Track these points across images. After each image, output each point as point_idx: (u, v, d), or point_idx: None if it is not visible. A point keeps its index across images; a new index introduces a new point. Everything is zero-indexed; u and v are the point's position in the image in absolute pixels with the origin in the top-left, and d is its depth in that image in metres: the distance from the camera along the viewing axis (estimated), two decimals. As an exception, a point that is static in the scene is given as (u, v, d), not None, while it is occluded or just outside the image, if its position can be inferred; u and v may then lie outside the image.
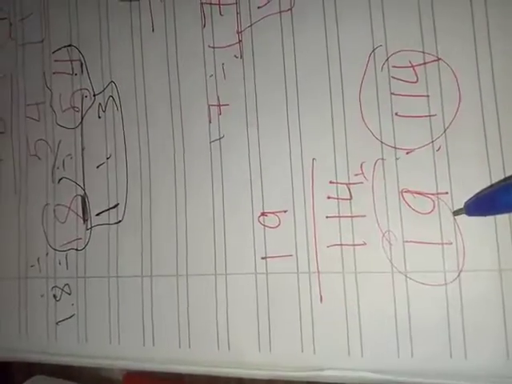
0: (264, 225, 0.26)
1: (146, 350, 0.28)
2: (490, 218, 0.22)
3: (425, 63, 0.23)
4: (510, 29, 0.22)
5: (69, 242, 0.30)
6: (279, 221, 0.26)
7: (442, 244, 0.23)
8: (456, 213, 0.23)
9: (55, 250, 0.30)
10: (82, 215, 0.30)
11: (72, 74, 0.31)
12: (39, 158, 0.32)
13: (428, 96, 0.23)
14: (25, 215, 0.32)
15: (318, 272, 0.25)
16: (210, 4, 0.28)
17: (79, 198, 0.30)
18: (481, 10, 0.23)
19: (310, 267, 0.25)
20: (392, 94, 0.24)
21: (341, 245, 0.24)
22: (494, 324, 0.22)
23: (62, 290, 0.30)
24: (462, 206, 0.22)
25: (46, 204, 0.31)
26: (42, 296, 0.31)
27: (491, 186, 0.22)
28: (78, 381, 0.32)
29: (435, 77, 0.23)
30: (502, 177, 0.22)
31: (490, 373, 0.22)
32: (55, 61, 0.31)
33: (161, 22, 0.29)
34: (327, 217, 0.25)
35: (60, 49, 0.31)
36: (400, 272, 0.23)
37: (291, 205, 0.26)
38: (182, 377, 0.28)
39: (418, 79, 0.24)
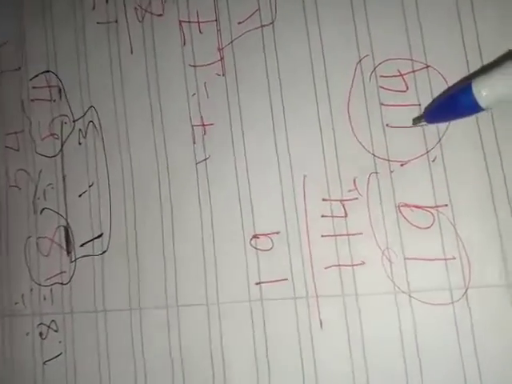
0: (256, 248, 0.25)
1: (139, 389, 0.26)
2: (494, 229, 0.21)
3: (414, 71, 0.22)
4: (499, 32, 0.21)
5: (53, 276, 0.29)
6: (272, 243, 0.24)
7: (446, 260, 0.21)
8: (415, 121, 0.22)
9: (39, 285, 0.29)
10: (65, 247, 0.29)
11: (50, 101, 0.30)
12: (19, 189, 0.30)
13: (420, 105, 0.22)
14: (6, 249, 0.30)
15: (317, 296, 0.23)
16: (189, 22, 0.27)
17: (62, 228, 0.29)
18: (468, 14, 0.22)
19: (308, 291, 0.23)
20: (382, 104, 0.23)
21: (339, 265, 0.23)
22: (508, 344, 0.20)
23: (49, 326, 0.28)
24: (425, 125, 0.22)
25: (28, 237, 0.30)
26: (27, 334, 0.29)
27: (448, 89, 0.21)
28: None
29: (426, 84, 0.22)
30: (503, 184, 0.21)
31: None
32: (33, 87, 0.30)
33: (139, 43, 0.28)
34: (322, 236, 0.23)
35: (37, 75, 0.30)
36: (403, 292, 0.22)
37: (284, 225, 0.24)
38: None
39: (407, 88, 0.23)
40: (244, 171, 0.25)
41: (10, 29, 0.31)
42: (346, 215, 0.23)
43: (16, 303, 0.30)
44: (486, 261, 0.21)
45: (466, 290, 0.21)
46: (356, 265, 0.23)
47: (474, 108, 0.19)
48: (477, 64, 0.21)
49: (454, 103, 0.20)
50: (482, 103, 0.19)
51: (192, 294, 0.25)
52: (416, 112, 0.22)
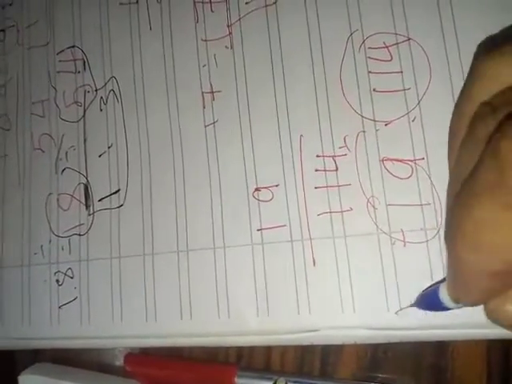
0: (258, 199, 0.28)
1: (148, 326, 0.29)
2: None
3: (397, 43, 0.26)
4: (470, 7, 0.25)
5: (72, 228, 0.32)
6: (272, 194, 0.28)
7: (422, 205, 0.25)
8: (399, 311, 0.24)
9: (58, 236, 0.32)
10: (84, 202, 0.32)
11: (75, 72, 0.33)
12: (43, 151, 0.33)
13: (402, 72, 0.26)
14: (29, 205, 0.33)
15: (310, 238, 0.26)
16: (202, 2, 0.30)
17: (82, 186, 0.32)
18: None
19: (303, 235, 0.26)
20: (369, 72, 0.26)
21: (330, 212, 0.26)
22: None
23: (65, 274, 0.31)
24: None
25: (50, 194, 0.33)
26: (44, 281, 0.32)
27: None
28: (79, 367, 0.32)
29: (407, 55, 0.26)
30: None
31: (475, 320, 0.23)
32: (59, 61, 0.34)
33: (157, 21, 0.31)
34: (316, 188, 0.27)
35: (64, 50, 0.34)
36: (385, 233, 0.25)
37: (282, 179, 0.27)
38: (182, 351, 0.29)
39: (392, 58, 0.26)
40: (248, 132, 0.29)
41: (40, 9, 0.35)
42: (336, 169, 0.27)
43: (35, 253, 0.32)
44: (456, 204, 0.24)
45: (438, 230, 0.24)
46: (345, 211, 0.26)
47: (444, 308, 0.21)
48: (452, 37, 0.25)
49: (429, 304, 0.22)
50: (449, 305, 0.20)
51: (200, 240, 0.28)
52: (399, 78, 0.26)
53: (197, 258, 0.28)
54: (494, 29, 0.24)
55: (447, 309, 0.21)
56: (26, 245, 0.33)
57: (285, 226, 0.27)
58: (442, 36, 0.25)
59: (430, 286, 0.23)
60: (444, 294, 0.20)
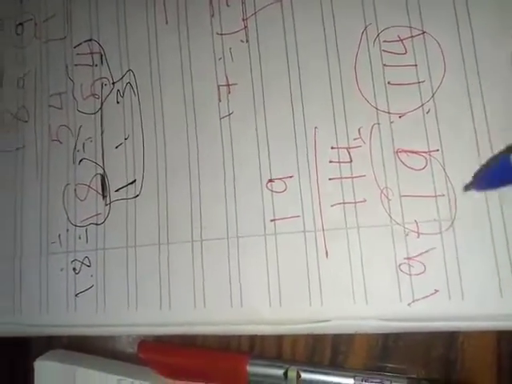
0: (272, 190, 0.28)
1: (163, 314, 0.29)
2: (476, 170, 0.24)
3: (412, 36, 0.26)
4: (485, 1, 0.25)
5: (89, 218, 0.32)
6: (286, 186, 0.28)
7: (436, 196, 0.25)
8: (466, 188, 0.24)
9: (75, 225, 0.33)
10: (101, 192, 0.32)
11: (92, 66, 0.34)
12: (60, 143, 0.34)
13: (416, 65, 0.26)
14: (47, 195, 0.34)
15: (323, 230, 0.27)
16: (218, -4, 0.31)
17: (99, 176, 0.32)
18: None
19: (316, 226, 0.27)
20: (384, 65, 0.27)
21: (343, 203, 0.27)
22: (487, 266, 0.24)
23: (82, 262, 0.32)
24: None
25: (67, 184, 0.33)
26: (61, 270, 0.32)
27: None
28: (93, 353, 0.33)
29: (422, 48, 0.26)
30: (486, 133, 0.25)
31: (486, 312, 0.24)
32: (77, 54, 0.34)
33: (173, 15, 0.32)
34: (330, 179, 0.27)
35: (81, 43, 0.34)
36: (398, 224, 0.25)
37: (296, 170, 0.28)
38: (195, 340, 0.30)
39: (406, 51, 0.26)
40: (263, 125, 0.29)
41: (57, 3, 0.36)
42: (351, 161, 0.27)
43: (53, 242, 0.33)
44: (469, 197, 0.24)
45: (453, 222, 0.25)
46: (358, 202, 0.26)
47: None
48: (467, 30, 0.25)
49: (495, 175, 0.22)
50: None
51: (214, 230, 0.29)
52: (413, 71, 0.26)
53: (210, 247, 0.29)
54: (510, 23, 0.24)
55: None
56: (44, 234, 0.33)
57: (298, 216, 0.27)
58: (457, 29, 0.25)
59: (485, 166, 0.22)
60: None
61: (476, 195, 0.24)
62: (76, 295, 0.32)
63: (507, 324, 0.24)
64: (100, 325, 0.31)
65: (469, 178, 0.25)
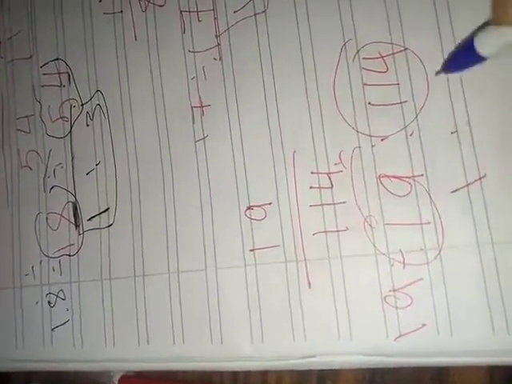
0: (250, 218, 0.27)
1: (141, 350, 0.28)
2: (464, 196, 0.23)
3: (393, 53, 0.25)
4: (470, 16, 0.23)
5: (62, 248, 0.31)
6: (265, 213, 0.27)
7: (421, 224, 0.24)
8: (437, 73, 0.24)
9: (48, 256, 0.31)
10: (73, 221, 0.31)
11: (60, 86, 0.32)
12: (30, 169, 0.32)
13: (398, 84, 0.25)
14: (18, 225, 0.32)
15: (305, 259, 0.25)
16: (189, 12, 0.29)
17: (71, 204, 0.31)
18: (443, 2, 0.24)
19: (297, 255, 0.25)
20: (364, 84, 0.25)
21: (325, 232, 0.25)
22: (477, 299, 0.22)
23: (57, 295, 0.30)
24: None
25: (39, 213, 0.32)
26: (36, 303, 0.31)
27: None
28: (75, 388, 0.32)
29: (404, 66, 0.24)
30: (473, 155, 0.23)
31: (476, 348, 0.22)
32: (43, 74, 0.33)
33: (143, 31, 0.30)
34: (311, 206, 0.26)
35: (48, 63, 0.33)
36: (383, 254, 0.24)
37: (275, 197, 0.26)
38: (176, 374, 0.29)
39: (387, 69, 0.25)
40: (239, 148, 0.27)
41: (22, 20, 0.34)
42: (332, 186, 0.25)
43: (26, 275, 0.32)
44: (457, 223, 0.23)
45: (440, 251, 0.23)
46: (341, 230, 0.25)
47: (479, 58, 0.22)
48: (450, 45, 0.24)
49: (461, 57, 0.23)
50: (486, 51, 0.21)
51: (192, 261, 0.27)
52: (395, 90, 0.25)
53: (188, 280, 0.27)
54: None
55: (482, 59, 0.21)
56: (17, 266, 0.32)
57: (278, 246, 0.26)
58: (441, 45, 0.24)
59: (457, 48, 0.23)
60: (481, 39, 0.21)
61: (464, 222, 0.23)
62: (52, 330, 0.30)
63: (499, 360, 0.23)
64: (78, 361, 0.30)
65: (457, 203, 0.23)
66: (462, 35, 0.23)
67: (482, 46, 0.21)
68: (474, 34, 0.22)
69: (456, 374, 0.24)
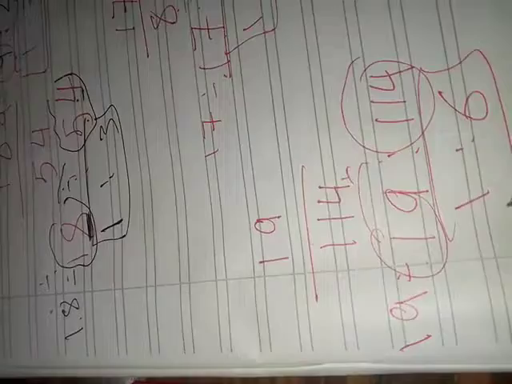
0: (260, 231, 0.27)
1: (153, 358, 0.29)
2: (468, 213, 0.24)
3: (400, 72, 0.25)
4: (474, 33, 0.24)
5: (76, 259, 0.32)
6: (274, 226, 0.27)
7: (426, 239, 0.24)
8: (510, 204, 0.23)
9: (63, 266, 0.32)
10: (87, 232, 0.32)
11: (74, 100, 0.33)
12: (45, 181, 0.33)
13: (405, 102, 0.25)
14: (33, 236, 0.33)
15: (313, 272, 0.26)
16: (200, 29, 0.30)
17: (85, 216, 0.32)
18: (448, 19, 0.25)
19: (306, 268, 0.26)
20: (371, 102, 0.26)
21: (333, 245, 0.26)
22: (480, 310, 0.23)
23: (71, 304, 0.31)
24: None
25: (53, 224, 0.33)
26: (51, 312, 0.32)
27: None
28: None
29: (410, 83, 0.25)
30: (477, 172, 0.24)
31: (480, 356, 0.23)
32: (58, 89, 0.34)
33: (155, 48, 0.31)
34: (318, 219, 0.26)
35: (62, 77, 0.34)
36: (389, 267, 0.25)
37: (284, 210, 0.27)
38: (187, 380, 0.30)
39: (394, 87, 0.25)
40: (249, 163, 0.28)
41: (36, 35, 0.35)
42: (339, 201, 0.26)
43: (41, 284, 0.32)
44: (461, 238, 0.24)
45: (444, 265, 0.24)
46: (348, 244, 0.26)
47: None
48: (456, 64, 0.24)
49: None
50: None
51: (202, 272, 0.28)
52: (402, 108, 0.25)
53: (199, 290, 0.28)
54: (499, 57, 0.24)
55: None
56: (32, 275, 0.33)
57: (287, 258, 0.27)
58: (446, 63, 0.25)
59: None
60: None
61: (468, 237, 0.24)
62: (66, 338, 0.31)
63: (503, 367, 0.23)
64: (91, 367, 0.31)
65: (460, 218, 0.24)
66: (467, 54, 0.24)
67: None
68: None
69: (460, 380, 0.25)
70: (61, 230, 0.32)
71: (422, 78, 0.25)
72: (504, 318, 0.23)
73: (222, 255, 0.28)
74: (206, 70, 0.30)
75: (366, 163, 0.26)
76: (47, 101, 0.34)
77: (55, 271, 0.32)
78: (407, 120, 0.25)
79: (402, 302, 0.24)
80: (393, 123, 0.25)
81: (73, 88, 0.33)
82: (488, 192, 0.23)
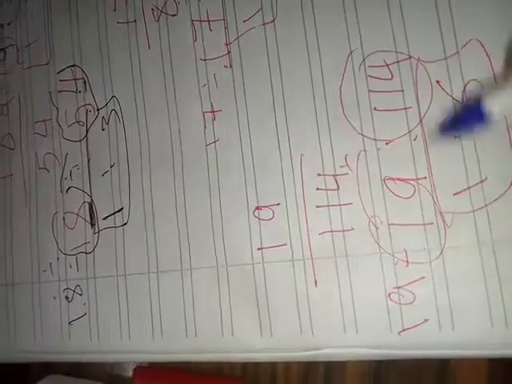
0: (259, 218, 0.28)
1: (155, 343, 0.29)
2: (466, 199, 0.24)
3: (398, 61, 0.26)
4: (472, 23, 0.24)
5: (78, 246, 0.32)
6: (273, 213, 0.28)
7: (424, 225, 0.25)
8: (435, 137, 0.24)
9: (66, 254, 0.32)
10: (89, 220, 0.32)
11: (76, 92, 0.33)
12: (48, 171, 0.34)
13: (403, 91, 0.26)
14: (36, 224, 0.34)
15: (312, 258, 0.26)
16: (200, 21, 0.30)
17: (87, 204, 0.32)
18: (445, 9, 0.25)
19: (304, 254, 0.27)
20: (370, 91, 0.26)
21: (331, 231, 0.26)
22: (477, 295, 0.23)
23: (74, 291, 0.32)
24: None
25: (56, 212, 0.33)
26: (54, 298, 0.32)
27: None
28: (89, 378, 0.33)
29: (408, 73, 0.26)
30: (476, 162, 0.24)
31: (477, 341, 0.23)
32: (60, 80, 0.34)
33: (156, 40, 0.31)
34: (317, 206, 0.27)
35: (64, 69, 0.34)
36: (387, 253, 0.25)
37: (283, 198, 0.28)
38: (189, 365, 0.30)
39: (392, 76, 0.26)
40: (249, 152, 0.29)
41: (39, 28, 0.35)
42: (338, 188, 0.27)
43: (44, 271, 0.33)
44: (459, 224, 0.24)
45: (442, 251, 0.24)
46: (346, 230, 0.26)
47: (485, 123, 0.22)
48: (453, 54, 0.25)
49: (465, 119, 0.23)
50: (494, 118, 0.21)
51: (203, 258, 0.29)
52: (400, 97, 0.26)
53: (200, 276, 0.29)
54: (496, 46, 0.24)
55: (486, 120, 0.21)
56: (36, 262, 0.33)
57: (286, 245, 0.27)
58: (444, 53, 0.25)
59: (459, 111, 0.24)
60: (490, 102, 0.21)
61: (466, 222, 0.24)
62: (70, 323, 0.32)
63: (498, 352, 0.24)
64: (94, 352, 0.31)
65: (459, 205, 0.24)
66: (465, 42, 0.25)
67: (492, 106, 0.21)
68: (480, 96, 0.22)
69: (457, 366, 0.25)
70: (63, 218, 0.33)
71: (420, 67, 0.25)
72: (500, 304, 0.23)
73: (222, 242, 0.28)
74: (207, 61, 0.30)
75: (365, 151, 0.26)
76: (50, 92, 0.34)
77: (58, 258, 0.33)
78: (405, 108, 0.26)
79: (399, 287, 0.25)
80: (391, 111, 0.26)
81: (75, 79, 0.34)
82: (486, 178, 0.24)
